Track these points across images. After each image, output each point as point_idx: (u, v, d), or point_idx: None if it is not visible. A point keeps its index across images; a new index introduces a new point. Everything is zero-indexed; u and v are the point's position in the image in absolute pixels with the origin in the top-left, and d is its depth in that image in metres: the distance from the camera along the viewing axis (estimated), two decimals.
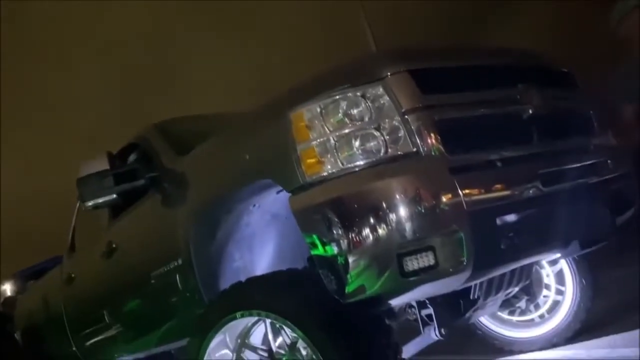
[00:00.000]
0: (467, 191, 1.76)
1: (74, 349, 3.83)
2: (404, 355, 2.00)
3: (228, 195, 2.31)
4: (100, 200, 2.68)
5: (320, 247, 1.83)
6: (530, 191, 1.92)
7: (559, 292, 3.12)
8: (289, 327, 1.94)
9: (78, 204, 4.04)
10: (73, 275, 3.69)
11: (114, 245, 3.14)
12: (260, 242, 2.51)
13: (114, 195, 2.67)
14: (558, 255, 2.22)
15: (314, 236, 1.84)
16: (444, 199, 1.74)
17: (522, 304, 2.90)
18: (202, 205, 2.42)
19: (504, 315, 3.23)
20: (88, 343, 3.64)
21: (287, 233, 2.50)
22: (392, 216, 1.73)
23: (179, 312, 2.67)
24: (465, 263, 1.72)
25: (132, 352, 3.32)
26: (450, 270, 1.73)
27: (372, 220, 1.75)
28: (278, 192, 2.26)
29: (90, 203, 2.67)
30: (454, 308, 2.28)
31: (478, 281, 2.06)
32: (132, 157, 3.16)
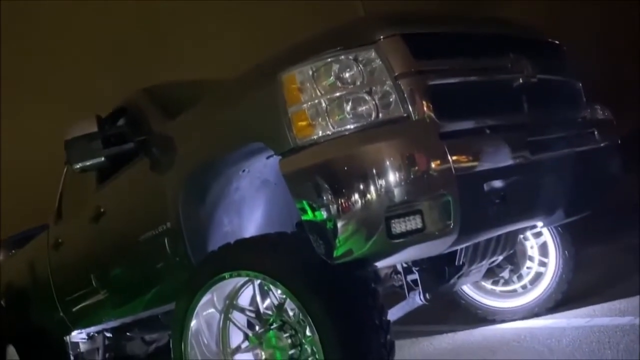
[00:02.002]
0: (456, 156, 1.77)
1: (61, 314, 3.84)
2: (389, 318, 2.03)
3: (217, 160, 2.30)
4: (88, 163, 2.66)
5: (310, 212, 1.85)
6: (518, 159, 1.95)
7: (542, 264, 3.18)
8: (277, 287, 1.96)
9: (65, 170, 4.01)
10: (60, 241, 3.68)
11: (102, 210, 3.13)
12: (249, 207, 2.52)
13: (102, 159, 2.65)
14: (543, 223, 2.26)
15: (304, 202, 1.85)
16: (433, 163, 1.75)
17: (506, 273, 2.96)
18: (191, 169, 2.42)
19: (488, 285, 3.29)
20: (75, 308, 3.66)
21: (276, 199, 2.51)
22: (381, 179, 1.74)
23: (167, 276, 2.68)
24: (451, 227, 1.75)
25: (120, 316, 3.34)
26: (437, 233, 1.75)
27: (361, 184, 1.76)
28: (268, 158, 2.26)
29: (78, 165, 2.65)
30: (439, 274, 2.32)
31: (464, 245, 2.09)
32: (121, 122, 3.13)
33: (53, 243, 3.74)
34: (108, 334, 4.15)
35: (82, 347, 4.71)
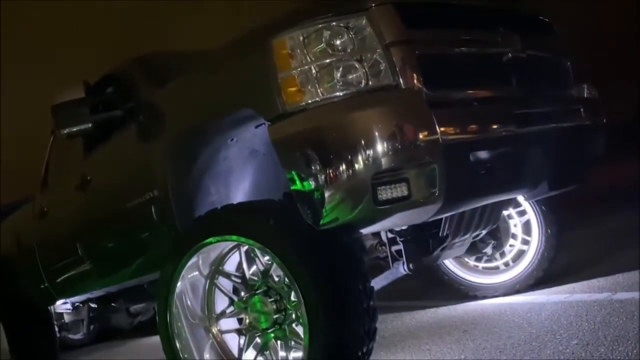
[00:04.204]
0: (443, 126, 1.79)
1: (46, 284, 3.82)
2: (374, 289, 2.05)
3: (206, 127, 2.30)
4: (74, 129, 2.63)
5: (298, 182, 1.86)
6: (505, 131, 1.97)
7: (525, 242, 3.23)
8: (264, 252, 1.98)
9: (52, 139, 3.98)
10: (46, 209, 3.65)
11: (88, 178, 3.12)
12: (237, 177, 2.53)
13: (90, 125, 2.63)
14: (526, 196, 2.30)
15: (293, 172, 1.86)
16: (420, 131, 1.77)
17: (489, 249, 2.99)
18: (179, 136, 2.41)
19: (471, 261, 3.34)
20: (61, 278, 3.64)
21: (264, 170, 2.52)
22: (369, 146, 1.75)
23: (154, 244, 2.68)
24: (437, 195, 1.77)
25: (106, 285, 3.34)
26: (422, 201, 1.77)
27: (348, 151, 1.77)
28: (257, 127, 2.26)
29: (65, 131, 2.63)
30: (423, 245, 2.36)
31: (448, 214, 2.12)
32: (109, 90, 3.10)
33: (38, 212, 3.71)
34: (93, 305, 4.17)
35: (67, 318, 4.72)
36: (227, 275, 2.19)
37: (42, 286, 3.83)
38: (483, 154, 1.90)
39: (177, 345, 2.18)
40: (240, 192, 2.55)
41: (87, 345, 6.07)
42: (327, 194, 1.80)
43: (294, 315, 2.02)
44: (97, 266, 3.22)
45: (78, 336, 5.83)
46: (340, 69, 1.84)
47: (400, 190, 1.77)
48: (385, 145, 1.75)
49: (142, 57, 3.15)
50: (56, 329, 4.41)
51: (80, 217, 3.26)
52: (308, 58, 1.86)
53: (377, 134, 1.75)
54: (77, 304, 4.20)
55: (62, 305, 4.28)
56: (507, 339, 2.44)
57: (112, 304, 3.98)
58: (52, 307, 4.21)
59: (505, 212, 3.07)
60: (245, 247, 2.11)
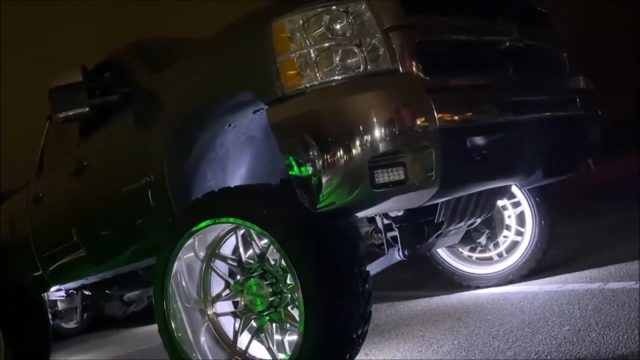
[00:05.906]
0: (440, 111, 1.80)
1: (40, 270, 3.81)
2: (369, 273, 2.07)
3: (204, 112, 2.30)
4: (71, 113, 2.63)
5: (296, 167, 1.87)
6: (501, 117, 1.99)
7: (519, 233, 3.25)
8: (260, 234, 1.99)
9: (47, 124, 3.96)
10: (40, 195, 3.64)
11: (84, 163, 3.11)
12: (234, 163, 2.53)
13: (87, 109, 2.63)
14: (521, 183, 2.32)
15: (291, 157, 1.87)
16: (418, 116, 1.78)
17: (483, 239, 3.02)
18: (177, 121, 2.41)
19: (465, 252, 3.36)
20: (55, 265, 3.63)
21: (261, 156, 2.52)
22: (366, 130, 1.76)
23: (150, 229, 2.69)
24: (433, 179, 1.78)
25: (100, 271, 3.34)
26: (418, 184, 1.79)
27: (346, 134, 1.78)
28: (254, 112, 2.27)
29: (61, 115, 2.62)
30: (419, 232, 2.38)
31: (444, 199, 2.13)
32: (107, 75, 3.09)
33: (33, 197, 3.70)
34: (86, 292, 4.16)
35: (60, 306, 4.70)
36: (224, 259, 2.20)
37: (36, 273, 3.81)
38: (479, 140, 1.91)
39: (172, 325, 2.18)
40: (237, 177, 2.56)
41: (79, 334, 6.07)
42: (324, 178, 1.82)
43: (289, 298, 2.03)
44: (93, 251, 3.22)
45: (71, 325, 5.82)
46: (339, 53, 1.86)
47: (397, 174, 1.78)
48: (382, 129, 1.76)
49: (140, 42, 3.15)
50: (50, 316, 4.40)
51: (75, 202, 3.25)
52: (307, 42, 1.87)
53: (375, 118, 1.77)
54: (70, 291, 4.18)
55: (56, 293, 4.27)
56: (499, 325, 2.47)
57: (106, 291, 3.99)
58: (45, 294, 4.20)
59: (499, 203, 3.10)
60: (242, 230, 2.12)
